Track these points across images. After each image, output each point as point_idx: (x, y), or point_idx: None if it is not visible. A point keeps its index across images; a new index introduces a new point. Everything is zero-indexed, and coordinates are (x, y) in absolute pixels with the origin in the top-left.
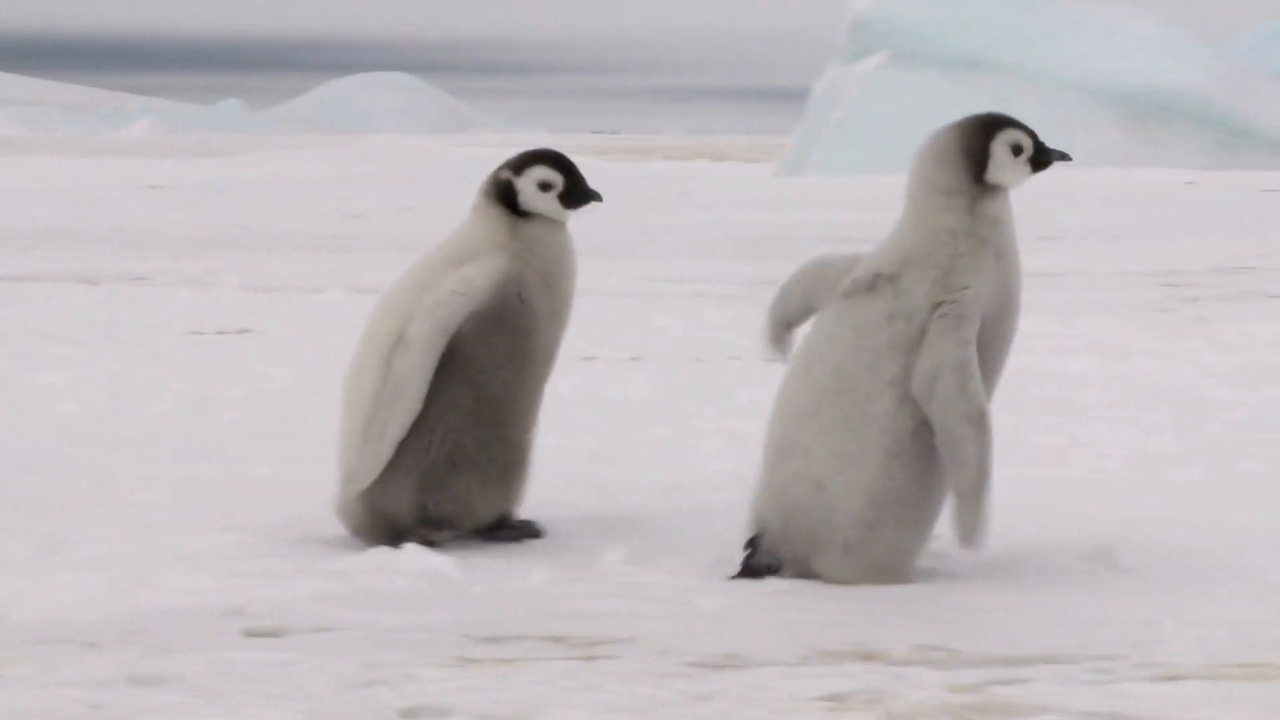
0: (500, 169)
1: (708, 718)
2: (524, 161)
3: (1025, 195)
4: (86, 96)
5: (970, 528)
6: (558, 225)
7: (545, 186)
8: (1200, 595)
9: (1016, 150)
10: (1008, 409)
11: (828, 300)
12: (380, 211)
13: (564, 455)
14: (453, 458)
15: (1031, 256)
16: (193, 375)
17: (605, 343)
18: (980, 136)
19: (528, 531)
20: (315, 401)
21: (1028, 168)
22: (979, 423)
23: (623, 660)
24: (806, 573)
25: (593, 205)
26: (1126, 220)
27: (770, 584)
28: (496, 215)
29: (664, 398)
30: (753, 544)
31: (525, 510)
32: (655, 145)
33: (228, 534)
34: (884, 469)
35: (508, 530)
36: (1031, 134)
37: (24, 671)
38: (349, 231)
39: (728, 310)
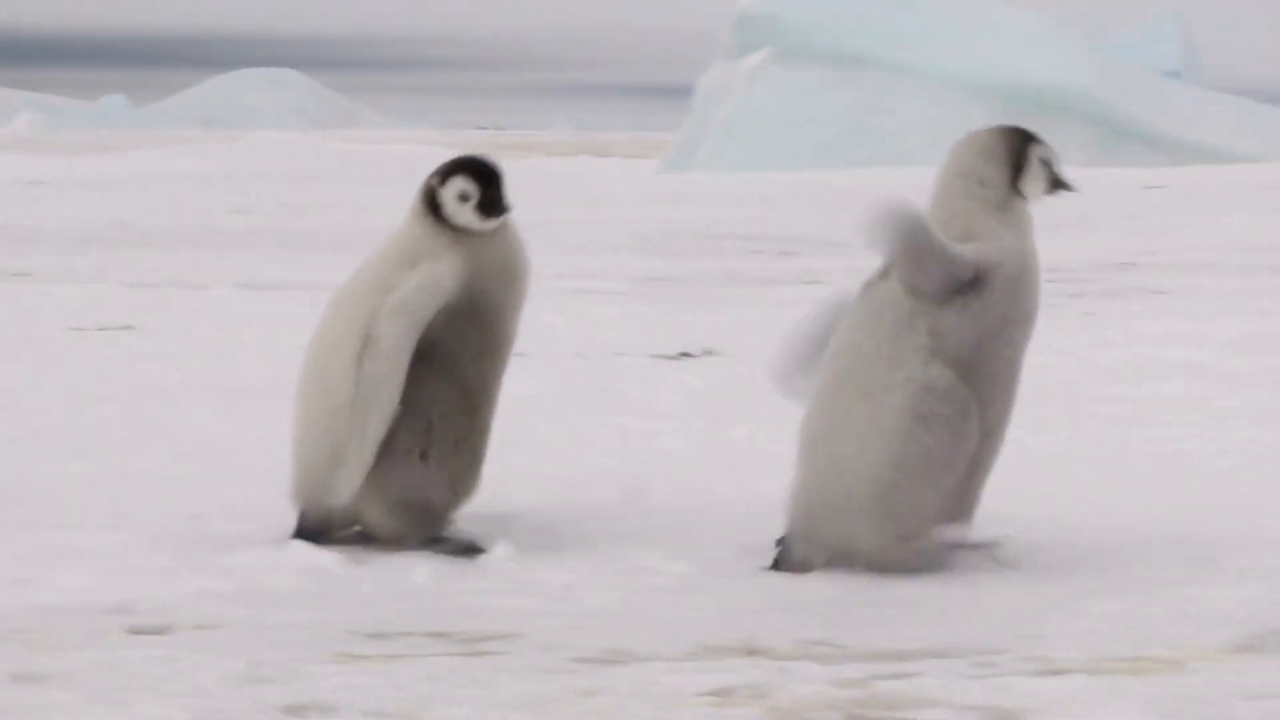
0: (431, 176)
1: (594, 713)
2: (448, 171)
3: (910, 192)
4: None
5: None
6: (490, 235)
7: (463, 197)
8: (1085, 590)
9: (1044, 164)
10: None
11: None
12: (265, 208)
13: None
14: (425, 444)
15: None
16: (76, 372)
17: None
18: (1023, 144)
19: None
20: (200, 398)
21: (1046, 186)
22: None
23: (509, 656)
24: (838, 561)
25: (505, 218)
26: None
27: (655, 580)
28: (431, 223)
29: (550, 394)
30: (782, 542)
31: None
32: (540, 141)
33: (112, 531)
34: (907, 431)
35: (446, 544)
36: (1056, 156)
37: None
38: (234, 228)
39: (614, 307)
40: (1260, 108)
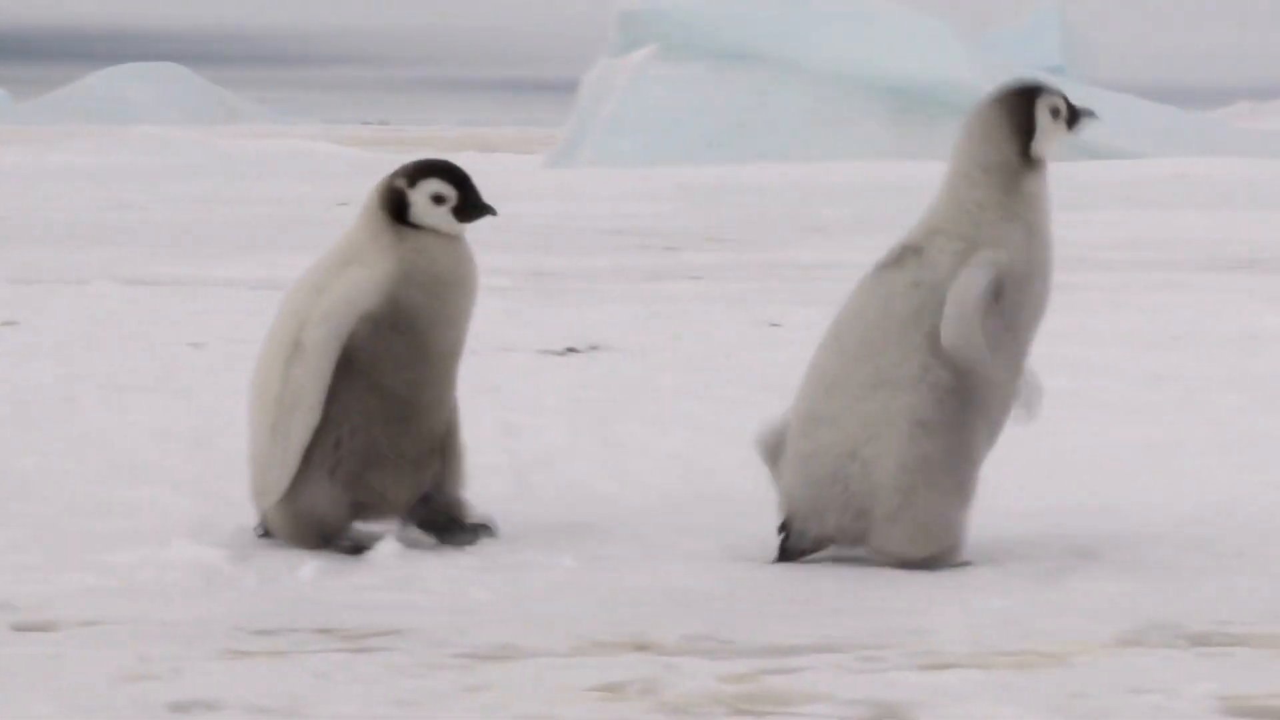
0: (394, 176)
1: (480, 709)
2: (418, 172)
3: (794, 187)
4: None
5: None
6: (442, 236)
7: (438, 200)
8: (970, 584)
9: (1055, 113)
10: (775, 398)
11: None
12: (148, 203)
13: None
14: (366, 454)
15: (800, 250)
16: None
17: None
18: (1025, 106)
19: (482, 532)
20: (84, 393)
21: (1064, 128)
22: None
23: (395, 652)
24: (846, 545)
25: (487, 219)
26: (894, 211)
27: (543, 575)
28: (383, 221)
29: None
30: (785, 527)
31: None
32: (425, 136)
33: None
34: (910, 435)
35: (462, 533)
36: (1062, 94)
37: None
38: (117, 223)
39: (498, 302)
40: (1140, 104)
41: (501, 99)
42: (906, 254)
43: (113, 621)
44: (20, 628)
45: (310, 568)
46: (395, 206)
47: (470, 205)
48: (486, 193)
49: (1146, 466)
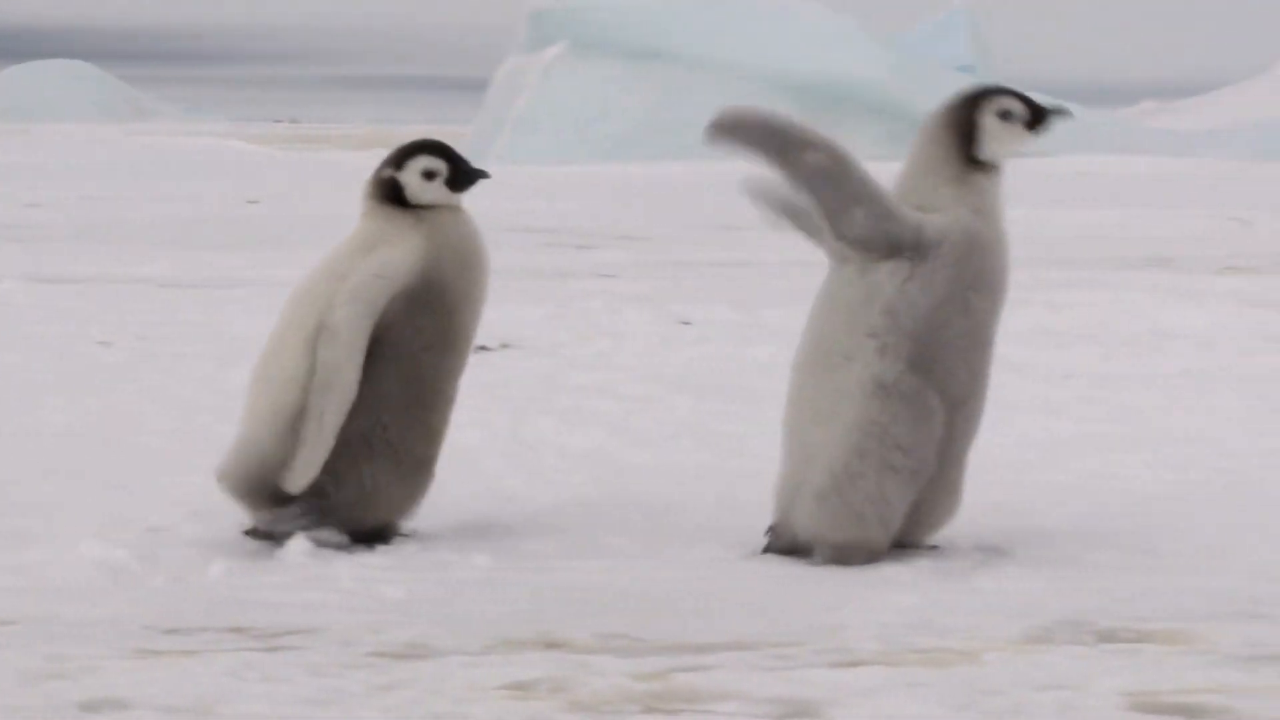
0: (381, 168)
1: (392, 708)
2: (403, 155)
3: (704, 186)
4: None
5: None
6: (455, 210)
7: (430, 175)
8: (881, 582)
9: (1005, 116)
10: (687, 396)
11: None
12: (58, 201)
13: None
14: (369, 440)
15: (711, 248)
16: None
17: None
18: (966, 110)
19: (393, 532)
20: None
21: (1021, 130)
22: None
23: (306, 651)
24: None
25: (480, 183)
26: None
27: (454, 574)
28: (390, 210)
29: None
30: (771, 530)
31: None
32: (335, 135)
33: None
34: (865, 415)
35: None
36: (1022, 97)
37: None
38: (26, 220)
39: None
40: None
41: (412, 97)
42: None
43: (22, 621)
44: None
45: (219, 568)
46: (392, 194)
47: (462, 174)
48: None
49: (1055, 464)
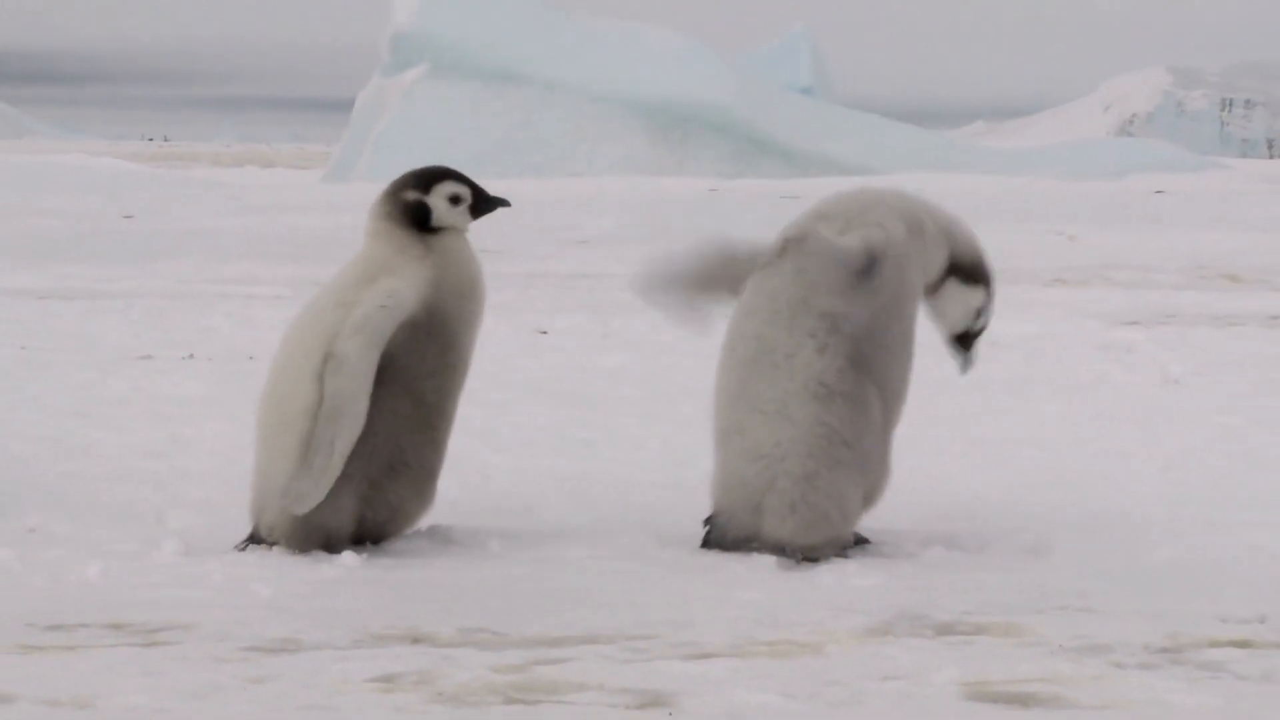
0: (402, 191)
1: (265, 700)
2: (429, 180)
3: (558, 202)
4: None
5: None
6: (460, 236)
7: (455, 200)
8: (731, 579)
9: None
10: (543, 404)
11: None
12: None
13: (121, 451)
14: (392, 464)
15: (565, 261)
16: None
17: (161, 342)
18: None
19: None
20: None
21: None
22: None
23: (182, 646)
24: (756, 546)
25: (500, 210)
26: (653, 224)
27: (322, 572)
28: (404, 234)
29: (219, 395)
30: (709, 522)
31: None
32: (206, 152)
33: None
34: (813, 417)
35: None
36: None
37: None
38: None
39: (277, 311)
40: (885, 123)
41: (280, 116)
42: (789, 245)
43: None
44: None
45: (97, 566)
46: (417, 216)
47: (484, 200)
48: (253, 203)
49: (912, 468)
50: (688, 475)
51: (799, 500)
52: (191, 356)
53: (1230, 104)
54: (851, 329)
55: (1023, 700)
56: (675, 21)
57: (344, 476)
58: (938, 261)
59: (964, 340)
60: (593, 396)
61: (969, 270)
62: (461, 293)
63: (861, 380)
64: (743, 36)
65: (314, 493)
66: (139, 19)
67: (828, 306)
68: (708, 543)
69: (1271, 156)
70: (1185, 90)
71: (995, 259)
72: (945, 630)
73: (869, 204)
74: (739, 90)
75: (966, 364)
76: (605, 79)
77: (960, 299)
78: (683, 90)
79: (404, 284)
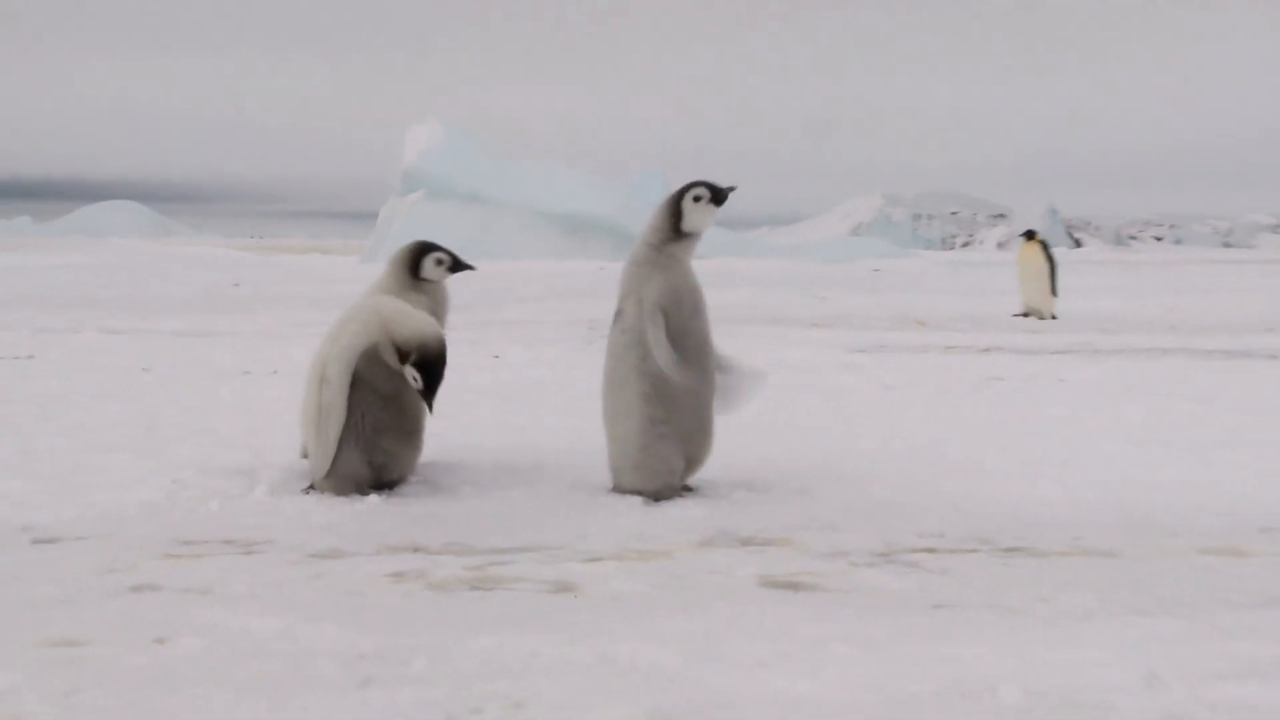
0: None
1: (320, 588)
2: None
3: (507, 276)
4: None
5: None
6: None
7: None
8: (610, 513)
9: (698, 200)
10: (493, 403)
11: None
12: (116, 283)
13: (231, 431)
14: (377, 428)
15: (509, 313)
16: None
17: (256, 363)
18: (676, 199)
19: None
20: None
21: (711, 207)
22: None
23: (267, 554)
24: (623, 492)
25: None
26: (567, 289)
27: (355, 506)
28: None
29: (291, 396)
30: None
31: None
32: (285, 244)
33: None
34: (642, 414)
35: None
36: (709, 185)
37: None
38: (96, 295)
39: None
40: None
41: (332, 222)
42: (618, 314)
43: (91, 536)
44: None
45: (216, 503)
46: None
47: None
48: (322, 278)
49: (730, 443)
50: (588, 447)
51: (641, 465)
52: (275, 372)
53: (919, 217)
54: (652, 364)
55: (794, 586)
56: (577, 161)
57: (346, 443)
58: None
59: (718, 200)
60: (526, 398)
61: None
62: (437, 314)
63: (669, 387)
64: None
65: (322, 464)
66: (243, 159)
67: (641, 352)
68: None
69: (944, 249)
70: (891, 208)
71: (779, 312)
72: (746, 542)
73: (639, 269)
74: (618, 206)
75: (729, 190)
76: (536, 200)
77: (694, 212)
78: (582, 206)
79: (360, 330)
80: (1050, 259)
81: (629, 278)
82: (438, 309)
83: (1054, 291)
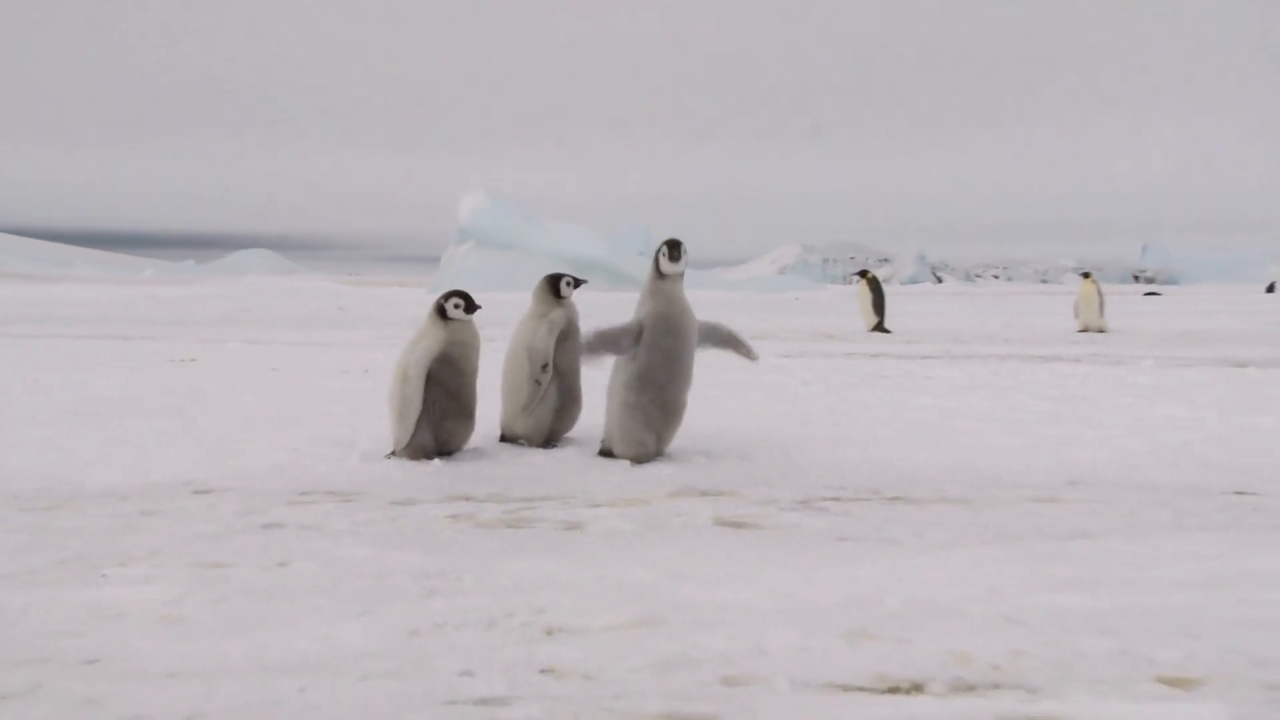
0: (441, 298)
1: (397, 528)
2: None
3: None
4: None
5: (749, 349)
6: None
7: (457, 305)
8: (603, 472)
9: (661, 254)
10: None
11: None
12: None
13: (335, 414)
14: (443, 413)
15: None
16: None
17: (353, 364)
18: (655, 253)
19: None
20: None
21: (669, 260)
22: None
23: (360, 503)
24: (613, 455)
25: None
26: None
27: (424, 467)
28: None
29: (378, 388)
30: (602, 445)
31: None
32: (374, 280)
33: None
34: (623, 397)
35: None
36: (668, 243)
37: None
38: (244, 316)
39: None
40: None
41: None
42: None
43: (236, 489)
44: None
45: (323, 466)
46: (441, 311)
47: (471, 306)
48: (398, 304)
49: (690, 423)
50: (591, 424)
51: (627, 435)
52: (367, 371)
53: (827, 260)
54: (645, 355)
55: (739, 525)
56: (582, 218)
57: (419, 423)
58: None
59: (674, 257)
60: None
61: None
62: (461, 345)
63: (646, 381)
64: (613, 225)
65: (402, 437)
66: (345, 219)
67: (630, 356)
68: (601, 453)
69: (845, 284)
70: (808, 253)
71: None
72: (706, 494)
73: (643, 301)
74: (611, 252)
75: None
76: (551, 247)
77: (662, 261)
78: (586, 251)
79: (433, 341)
80: (880, 292)
81: (637, 304)
82: (572, 315)
83: (880, 313)
